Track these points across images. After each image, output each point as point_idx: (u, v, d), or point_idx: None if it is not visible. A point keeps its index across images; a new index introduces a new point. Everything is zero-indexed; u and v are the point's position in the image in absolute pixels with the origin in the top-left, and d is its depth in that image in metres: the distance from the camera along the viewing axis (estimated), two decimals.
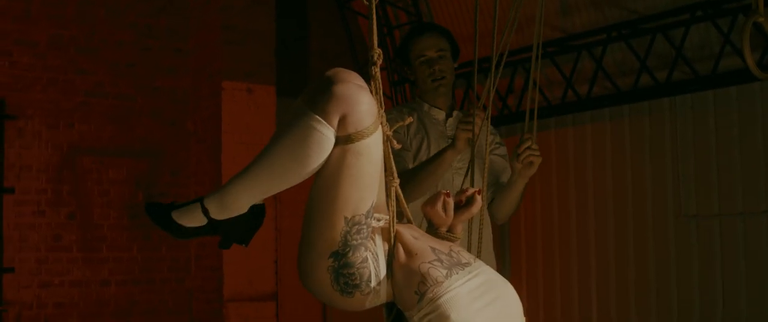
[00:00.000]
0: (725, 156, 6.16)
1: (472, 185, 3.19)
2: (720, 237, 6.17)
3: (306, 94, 2.48)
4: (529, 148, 3.78)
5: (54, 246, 7.76)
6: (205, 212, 2.56)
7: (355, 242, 2.47)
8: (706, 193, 6.25)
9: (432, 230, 2.78)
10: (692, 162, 6.34)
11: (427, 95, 4.17)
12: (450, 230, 2.78)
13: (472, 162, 3.55)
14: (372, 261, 2.52)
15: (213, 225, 2.58)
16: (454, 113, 4.20)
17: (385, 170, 2.60)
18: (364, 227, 2.48)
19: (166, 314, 8.23)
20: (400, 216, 2.76)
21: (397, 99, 8.74)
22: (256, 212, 2.59)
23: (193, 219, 2.59)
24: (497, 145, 4.26)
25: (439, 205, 2.73)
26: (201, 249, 8.26)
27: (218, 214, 2.56)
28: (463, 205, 2.79)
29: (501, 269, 7.36)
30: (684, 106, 6.41)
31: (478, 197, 2.79)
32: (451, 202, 2.74)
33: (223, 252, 7.90)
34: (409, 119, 2.79)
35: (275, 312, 8.23)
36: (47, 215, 7.77)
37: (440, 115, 4.17)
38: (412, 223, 2.76)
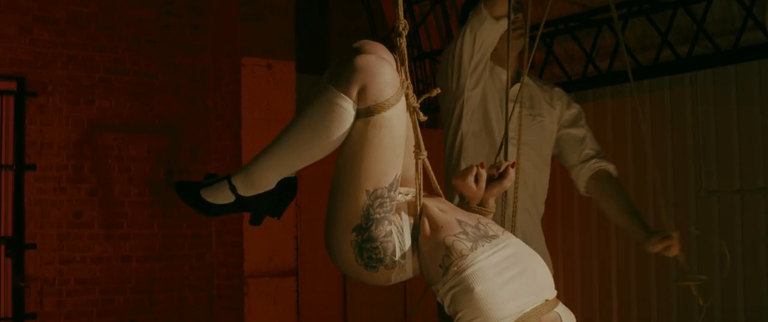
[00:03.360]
0: (746, 131, 6.11)
1: (506, 159, 3.14)
2: (741, 213, 6.13)
3: (331, 68, 2.50)
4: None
5: (75, 223, 7.81)
6: (233, 189, 2.57)
7: (377, 216, 2.46)
8: (727, 169, 6.21)
9: (463, 203, 2.75)
10: (713, 137, 6.29)
11: (496, 52, 4.01)
12: (482, 203, 2.75)
13: (505, 135, 3.47)
14: (396, 235, 2.50)
15: (241, 202, 2.59)
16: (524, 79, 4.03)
17: (413, 143, 2.58)
18: (387, 200, 2.47)
19: (187, 290, 8.28)
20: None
21: (417, 74, 8.71)
22: (288, 186, 2.61)
23: (222, 197, 2.60)
24: (570, 115, 4.20)
25: (471, 178, 2.70)
26: (222, 225, 8.29)
27: (246, 191, 2.57)
28: (495, 178, 2.76)
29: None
30: (705, 81, 6.35)
31: (512, 171, 2.76)
32: (483, 174, 2.71)
33: (243, 228, 7.92)
34: (437, 90, 2.73)
35: (296, 288, 8.27)
36: (68, 191, 7.81)
37: (503, 74, 4.02)
38: (442, 196, 2.74)
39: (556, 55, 7.30)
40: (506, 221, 2.98)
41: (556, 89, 4.30)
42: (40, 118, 7.71)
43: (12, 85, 7.65)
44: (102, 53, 8.02)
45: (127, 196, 8.05)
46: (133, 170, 8.11)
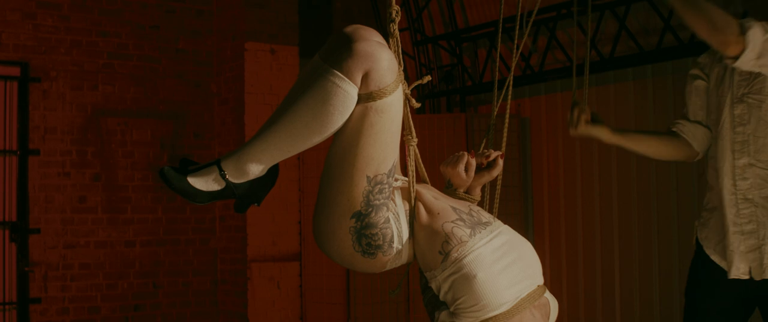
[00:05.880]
0: None
1: (492, 147, 3.16)
2: None
3: (325, 52, 2.45)
4: None
5: (79, 207, 7.83)
6: (223, 175, 2.48)
7: (377, 202, 2.46)
8: None
9: (449, 190, 2.78)
10: None
11: None
12: (468, 191, 2.78)
13: (491, 127, 3.37)
14: (394, 221, 2.51)
15: (231, 188, 2.50)
16: None
17: (403, 129, 2.58)
18: (386, 186, 2.47)
19: (190, 275, 8.30)
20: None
21: (420, 59, 8.70)
22: (271, 172, 2.55)
23: (211, 183, 2.50)
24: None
25: (461, 166, 2.73)
26: (225, 210, 8.31)
27: (237, 177, 2.49)
28: (484, 167, 2.81)
29: (524, 232, 7.32)
30: None
31: (501, 161, 2.80)
32: (473, 163, 2.74)
33: (247, 213, 7.94)
34: (428, 77, 2.74)
35: (299, 272, 8.28)
36: (72, 176, 7.83)
37: None
38: (428, 182, 2.75)
39: (558, 41, 7.29)
40: (491, 207, 2.97)
41: None
42: (43, 103, 7.72)
43: (16, 71, 7.66)
44: (106, 39, 8.02)
45: (130, 181, 8.06)
46: (137, 155, 8.12)
